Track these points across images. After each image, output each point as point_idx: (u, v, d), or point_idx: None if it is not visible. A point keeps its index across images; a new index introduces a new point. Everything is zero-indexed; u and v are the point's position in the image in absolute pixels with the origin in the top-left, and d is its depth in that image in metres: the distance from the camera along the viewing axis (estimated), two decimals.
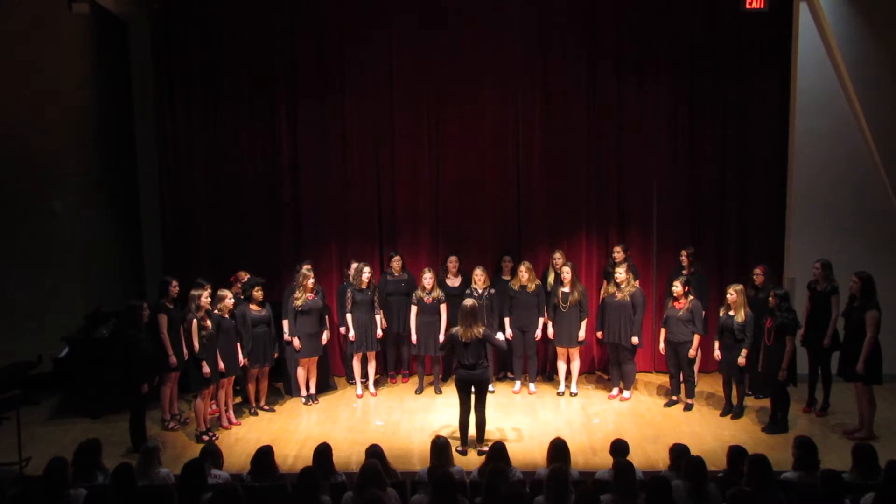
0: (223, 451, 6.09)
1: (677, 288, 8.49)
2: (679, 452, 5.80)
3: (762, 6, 9.07)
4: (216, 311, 7.95)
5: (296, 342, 8.73)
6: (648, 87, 9.67)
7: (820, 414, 8.42)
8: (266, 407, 8.73)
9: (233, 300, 8.17)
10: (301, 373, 8.92)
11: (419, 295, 9.07)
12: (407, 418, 8.50)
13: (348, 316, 9.02)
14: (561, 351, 9.17)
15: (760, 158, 9.66)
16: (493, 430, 7.92)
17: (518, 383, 9.32)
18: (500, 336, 8.07)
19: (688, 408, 8.67)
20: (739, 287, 8.26)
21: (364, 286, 8.98)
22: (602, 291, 9.36)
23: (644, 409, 8.76)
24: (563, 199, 9.85)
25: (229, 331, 8.06)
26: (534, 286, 9.04)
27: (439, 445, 5.89)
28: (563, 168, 9.81)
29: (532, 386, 9.30)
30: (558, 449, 5.71)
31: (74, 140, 9.53)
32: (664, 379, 9.35)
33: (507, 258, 9.42)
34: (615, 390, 9.12)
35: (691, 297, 8.49)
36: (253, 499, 5.25)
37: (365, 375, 9.28)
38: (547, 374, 9.70)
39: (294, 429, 8.25)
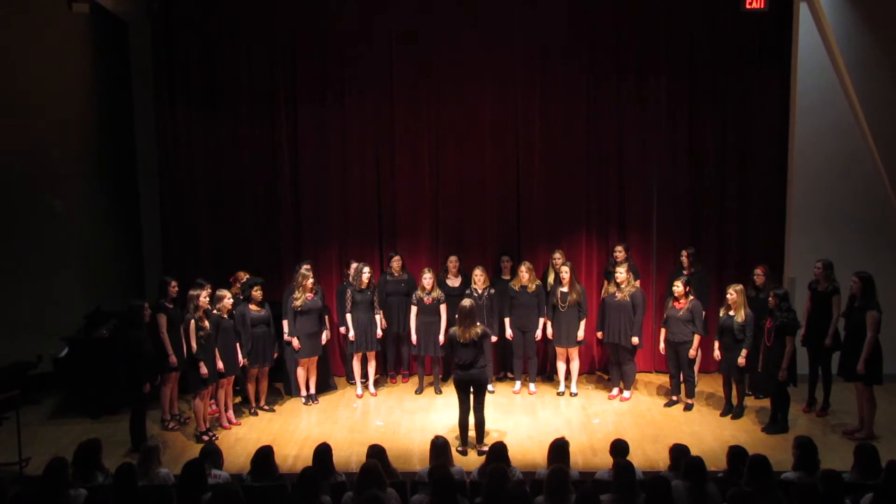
0: (223, 451, 6.08)
1: (678, 288, 8.49)
2: (679, 452, 5.79)
3: (762, 6, 9.07)
4: (215, 312, 7.95)
5: (295, 342, 8.73)
6: (648, 87, 9.67)
7: (820, 414, 8.42)
8: (266, 407, 8.73)
9: (231, 300, 8.17)
10: (301, 373, 8.92)
11: (419, 295, 9.06)
12: (407, 418, 8.50)
13: (348, 316, 9.02)
14: (560, 351, 9.17)
15: (760, 158, 9.66)
16: (493, 430, 7.93)
17: (518, 383, 9.32)
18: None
19: (688, 408, 8.67)
20: (739, 287, 8.26)
21: (364, 286, 8.98)
22: (602, 291, 9.36)
23: (644, 409, 8.76)
24: (563, 199, 9.85)
25: (228, 331, 8.06)
26: (534, 286, 9.03)
27: (439, 445, 5.90)
28: (563, 168, 9.81)
29: (532, 386, 9.30)
30: (559, 449, 5.71)
31: (74, 140, 9.54)
32: (664, 379, 9.35)
33: (506, 258, 9.42)
34: (615, 390, 9.12)
35: (691, 298, 8.49)
36: (253, 499, 5.26)
37: (365, 375, 9.28)
38: (547, 374, 9.70)
39: (294, 429, 8.25)
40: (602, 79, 9.70)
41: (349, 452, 7.39)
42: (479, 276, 8.97)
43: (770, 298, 7.97)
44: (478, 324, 7.52)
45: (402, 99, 9.79)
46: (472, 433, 7.63)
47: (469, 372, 7.44)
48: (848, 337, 7.85)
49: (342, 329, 9.21)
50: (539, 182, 9.83)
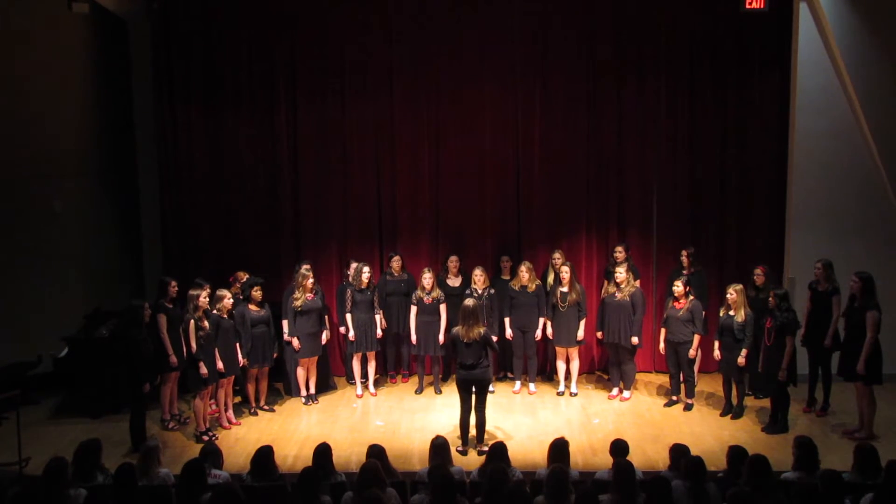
0: (223, 451, 6.09)
1: (678, 288, 8.49)
2: (679, 452, 5.80)
3: (762, 6, 9.08)
4: (215, 311, 7.95)
5: (295, 342, 8.73)
6: (648, 88, 9.67)
7: (820, 414, 8.42)
8: (266, 407, 8.73)
9: (231, 300, 8.17)
10: (301, 373, 8.92)
11: (419, 295, 9.06)
12: (407, 418, 8.50)
13: (348, 316, 9.02)
14: (560, 351, 9.17)
15: (760, 158, 9.66)
16: (493, 430, 7.93)
17: (518, 383, 9.32)
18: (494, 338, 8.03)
19: (688, 408, 8.67)
20: (739, 287, 8.26)
21: (364, 286, 8.98)
22: (602, 291, 9.36)
23: (644, 409, 8.76)
24: (563, 199, 9.85)
25: (228, 331, 8.06)
26: (534, 286, 9.04)
27: (439, 445, 5.90)
28: (563, 168, 9.81)
29: (532, 386, 9.30)
30: (559, 449, 5.71)
31: (74, 140, 9.53)
32: (664, 379, 9.35)
33: (506, 258, 9.43)
34: (615, 390, 9.12)
35: (691, 298, 8.49)
36: (253, 499, 5.25)
37: (365, 375, 9.28)
38: (547, 374, 9.70)
39: (294, 429, 8.25)
40: (602, 79, 9.69)
41: (349, 452, 7.39)
42: (479, 276, 8.97)
43: (770, 298, 7.97)
44: (481, 323, 7.53)
45: (403, 99, 9.79)
46: (472, 433, 7.63)
47: (472, 372, 7.45)
48: (848, 337, 7.85)
49: (342, 329, 9.21)
50: (539, 182, 9.83)
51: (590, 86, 9.71)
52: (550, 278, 9.29)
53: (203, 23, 9.71)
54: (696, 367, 8.92)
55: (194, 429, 7.98)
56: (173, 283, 8.20)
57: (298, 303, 8.67)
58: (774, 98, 9.55)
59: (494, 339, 7.83)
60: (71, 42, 9.46)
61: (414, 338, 9.15)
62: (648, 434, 7.98)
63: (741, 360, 8.14)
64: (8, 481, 6.26)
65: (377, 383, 9.45)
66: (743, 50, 9.53)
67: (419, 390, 9.33)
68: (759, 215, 9.73)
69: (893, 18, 9.07)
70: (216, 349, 7.88)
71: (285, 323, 8.75)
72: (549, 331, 9.11)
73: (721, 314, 8.37)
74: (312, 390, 9.02)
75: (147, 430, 7.81)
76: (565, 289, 8.94)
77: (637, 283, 9.07)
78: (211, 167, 9.90)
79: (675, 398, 8.83)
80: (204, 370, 7.71)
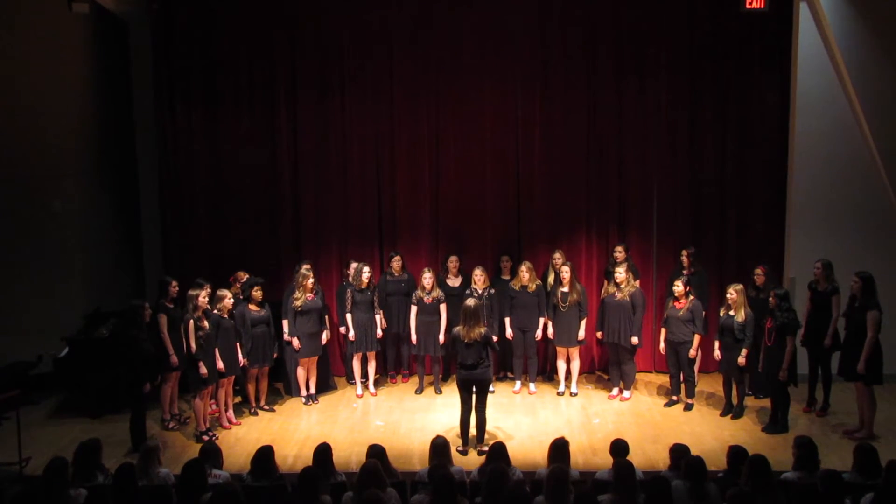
0: (223, 451, 6.09)
1: (678, 288, 8.49)
2: (679, 452, 5.80)
3: (762, 6, 9.07)
4: (215, 311, 7.95)
5: (295, 342, 8.73)
6: (648, 87, 9.67)
7: (820, 414, 8.42)
8: (266, 407, 8.73)
9: (232, 300, 8.17)
10: (301, 373, 8.92)
11: (419, 295, 9.07)
12: (407, 418, 8.50)
13: (348, 316, 9.03)
14: (560, 351, 9.17)
15: (760, 158, 9.66)
16: (493, 430, 7.93)
17: (518, 383, 9.32)
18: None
19: (688, 408, 8.67)
20: (740, 287, 8.26)
21: (364, 286, 8.98)
22: (602, 291, 9.36)
23: (644, 409, 8.76)
24: (563, 199, 9.85)
25: (229, 331, 8.07)
26: (534, 286, 9.04)
27: (439, 445, 5.90)
28: (563, 168, 9.81)
29: (532, 386, 9.30)
30: (559, 449, 5.71)
31: (74, 140, 9.53)
32: (664, 379, 9.35)
33: (506, 258, 9.43)
34: (615, 390, 9.12)
35: (691, 297, 8.49)
36: (253, 499, 5.26)
37: (365, 375, 9.28)
38: (547, 374, 9.70)
39: (294, 429, 8.25)
40: (602, 79, 9.69)
41: (349, 452, 7.39)
42: (479, 276, 8.97)
43: (770, 298, 7.97)
44: (482, 323, 7.54)
45: (403, 99, 9.79)
46: (472, 433, 7.63)
47: (473, 372, 7.46)
48: (848, 337, 7.85)
49: (342, 329, 9.21)
50: (539, 182, 9.82)
51: (590, 86, 9.70)
52: (551, 278, 9.29)
53: (203, 23, 9.70)
54: (696, 367, 8.92)
55: (194, 429, 7.98)
56: (174, 283, 8.21)
57: (298, 303, 8.67)
58: (774, 98, 9.54)
59: (494, 339, 7.83)
60: (71, 42, 9.46)
61: (414, 338, 9.15)
62: (648, 434, 7.98)
63: (741, 360, 8.14)
64: (8, 481, 6.28)
65: (377, 383, 9.45)
66: (743, 50, 9.53)
67: (419, 390, 9.33)
68: (759, 215, 9.72)
69: (894, 19, 9.07)
70: (216, 349, 7.88)
71: (285, 323, 8.75)
72: (550, 331, 9.12)
73: (721, 314, 8.37)
74: (312, 390, 9.02)
75: (147, 430, 7.81)
76: (566, 289, 8.95)
77: (637, 283, 9.07)
78: (211, 167, 9.89)
79: (675, 398, 8.83)
80: (204, 370, 7.71)
